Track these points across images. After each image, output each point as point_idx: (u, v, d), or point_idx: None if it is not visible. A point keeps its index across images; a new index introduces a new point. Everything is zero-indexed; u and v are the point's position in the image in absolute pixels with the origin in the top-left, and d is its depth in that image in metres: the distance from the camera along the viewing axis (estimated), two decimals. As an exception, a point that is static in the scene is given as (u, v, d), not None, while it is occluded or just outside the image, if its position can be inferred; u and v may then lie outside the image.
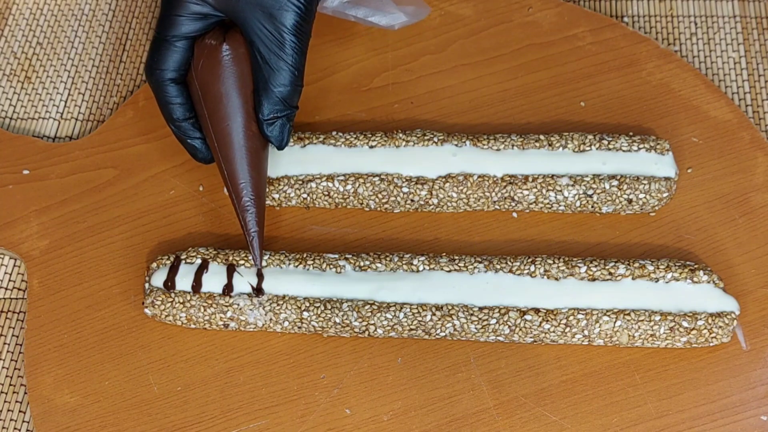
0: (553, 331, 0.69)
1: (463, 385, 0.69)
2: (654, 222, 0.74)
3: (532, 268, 0.70)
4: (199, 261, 0.72)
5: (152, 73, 0.71)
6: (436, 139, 0.75)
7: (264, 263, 0.71)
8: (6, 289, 0.77)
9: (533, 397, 0.69)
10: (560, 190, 0.73)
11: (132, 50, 0.87)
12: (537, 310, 0.69)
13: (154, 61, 0.71)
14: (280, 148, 0.72)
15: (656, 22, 0.86)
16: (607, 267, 0.70)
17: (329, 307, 0.69)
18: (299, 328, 0.70)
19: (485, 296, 0.69)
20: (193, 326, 0.71)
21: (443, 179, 0.74)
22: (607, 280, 0.70)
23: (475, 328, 0.69)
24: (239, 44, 0.70)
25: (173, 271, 0.71)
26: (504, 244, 0.74)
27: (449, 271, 0.70)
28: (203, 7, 0.70)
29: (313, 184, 0.75)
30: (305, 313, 0.70)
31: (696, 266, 0.70)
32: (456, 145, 0.75)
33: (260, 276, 0.70)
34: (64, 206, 0.77)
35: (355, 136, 0.76)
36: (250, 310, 0.70)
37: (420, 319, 0.69)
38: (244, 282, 0.71)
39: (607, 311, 0.68)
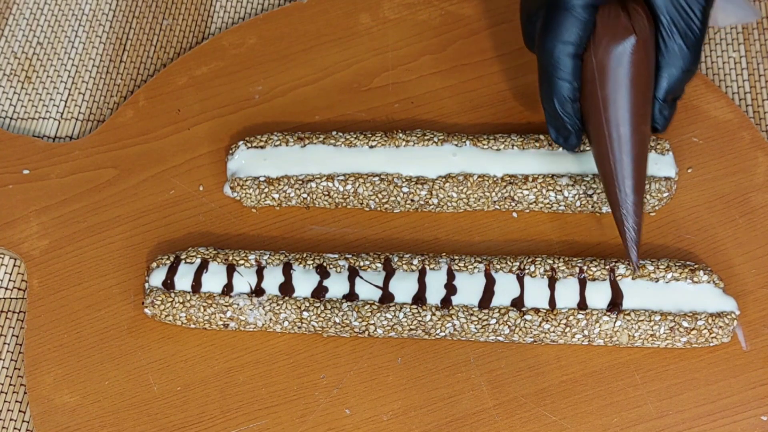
0: (553, 331, 0.69)
1: (463, 385, 0.69)
2: (654, 222, 0.74)
3: (532, 268, 0.70)
4: (198, 261, 0.72)
5: (550, 45, 0.65)
6: (436, 139, 0.75)
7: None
8: (6, 289, 0.77)
9: (533, 397, 0.69)
10: (560, 190, 0.73)
11: (132, 50, 0.87)
12: (537, 310, 0.69)
13: (554, 32, 0.65)
14: (662, 131, 0.67)
15: (656, 22, 0.86)
16: (607, 267, 0.70)
17: (329, 307, 0.69)
18: (299, 328, 0.70)
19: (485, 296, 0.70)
20: (192, 326, 0.71)
21: (443, 179, 0.74)
22: (607, 280, 0.70)
23: (475, 328, 0.69)
24: (643, 22, 0.64)
25: (173, 270, 0.71)
26: (504, 244, 0.74)
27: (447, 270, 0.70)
28: None
29: (313, 184, 0.75)
30: (305, 313, 0.70)
31: (696, 266, 0.70)
32: (456, 145, 0.75)
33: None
34: (64, 206, 0.77)
35: (355, 136, 0.76)
36: (250, 310, 0.70)
37: (420, 319, 0.69)
38: (243, 282, 0.71)
39: (607, 311, 0.68)
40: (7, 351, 0.74)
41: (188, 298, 0.70)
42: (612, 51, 0.65)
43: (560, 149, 0.74)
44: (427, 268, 0.71)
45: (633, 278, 0.69)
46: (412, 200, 0.74)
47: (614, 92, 0.65)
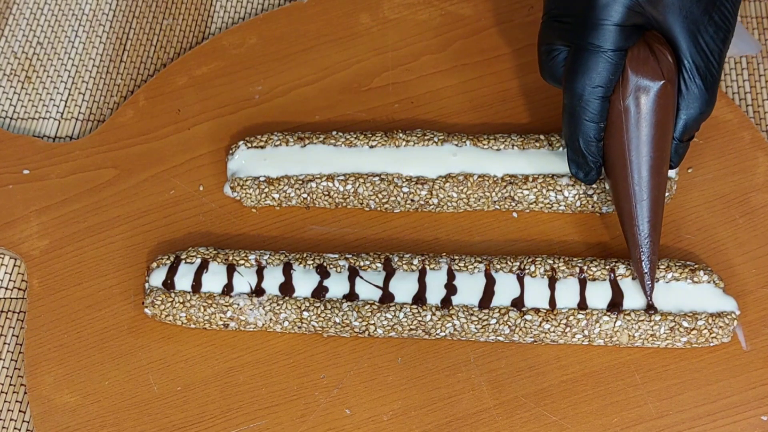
0: (553, 331, 0.69)
1: (463, 385, 0.69)
2: (654, 222, 0.74)
3: (532, 268, 0.70)
4: (198, 261, 0.72)
5: (580, 88, 0.66)
6: (436, 139, 0.75)
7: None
8: (6, 289, 0.77)
9: (533, 397, 0.69)
10: (560, 190, 0.73)
11: (132, 50, 0.87)
12: (537, 310, 0.69)
13: (583, 74, 0.65)
14: (675, 168, 0.70)
15: (656, 22, 0.86)
16: (607, 267, 0.70)
17: (329, 307, 0.69)
18: (299, 328, 0.70)
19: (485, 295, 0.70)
20: (193, 326, 0.71)
21: (443, 179, 0.74)
22: (607, 280, 0.70)
23: (475, 328, 0.69)
24: (669, 65, 0.65)
25: (173, 270, 0.71)
26: (504, 244, 0.74)
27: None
28: (640, 17, 0.64)
29: (313, 184, 0.75)
30: (305, 313, 0.70)
31: (696, 266, 0.70)
32: (456, 144, 0.75)
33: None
34: (64, 206, 0.77)
35: (355, 135, 0.76)
36: (250, 309, 0.70)
37: (420, 319, 0.69)
38: (244, 282, 0.71)
39: (607, 311, 0.68)
40: (7, 351, 0.74)
41: (188, 298, 0.70)
42: (641, 95, 0.65)
43: (561, 149, 0.74)
44: (428, 268, 0.71)
45: (648, 314, 0.68)
46: (412, 200, 0.74)
47: (639, 136, 0.66)
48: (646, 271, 0.68)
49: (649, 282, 0.68)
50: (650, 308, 0.68)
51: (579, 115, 0.67)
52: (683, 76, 0.66)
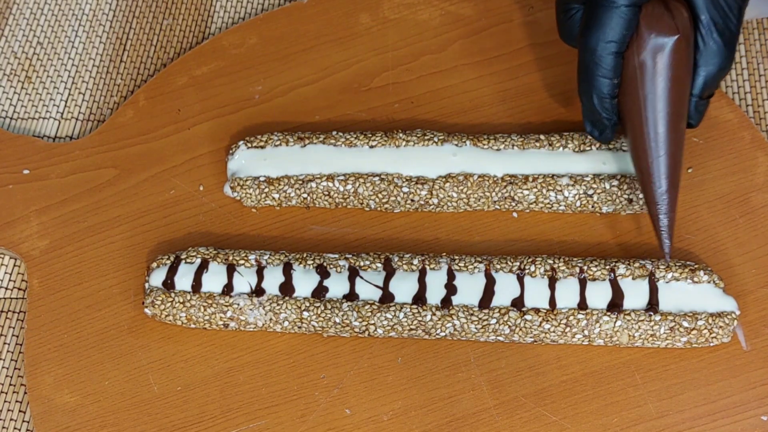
0: (553, 331, 0.69)
1: (463, 385, 0.69)
2: (654, 222, 0.74)
3: (532, 268, 0.70)
4: (199, 261, 0.72)
5: (593, 42, 0.66)
6: (436, 139, 0.75)
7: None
8: (6, 289, 0.77)
9: (533, 397, 0.69)
10: (560, 190, 0.73)
11: (132, 50, 0.87)
12: (537, 310, 0.69)
13: (597, 30, 0.65)
14: (696, 126, 0.69)
15: (656, 22, 0.86)
16: (607, 267, 0.70)
17: (329, 307, 0.69)
18: (299, 328, 0.70)
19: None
20: (193, 326, 0.71)
21: (443, 179, 0.74)
22: (607, 280, 0.70)
23: (475, 328, 0.69)
24: (685, 20, 0.65)
25: (173, 270, 0.71)
26: (504, 244, 0.74)
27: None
28: None
29: (314, 184, 0.75)
30: (305, 313, 0.70)
31: (696, 266, 0.70)
32: (456, 144, 0.75)
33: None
34: (64, 206, 0.77)
35: (355, 135, 0.76)
36: (250, 309, 0.70)
37: (420, 319, 0.69)
38: (244, 282, 0.71)
39: (607, 311, 0.68)
40: (7, 351, 0.74)
41: (188, 298, 0.70)
42: (655, 50, 0.65)
43: (561, 149, 0.74)
44: (428, 268, 0.71)
45: (666, 269, 0.69)
46: (412, 200, 0.74)
47: (655, 91, 0.66)
48: (663, 228, 0.67)
49: (666, 240, 0.67)
50: (667, 262, 0.68)
51: (592, 70, 0.67)
52: (700, 32, 0.66)
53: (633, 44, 0.66)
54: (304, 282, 0.70)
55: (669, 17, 0.65)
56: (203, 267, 0.71)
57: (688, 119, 0.69)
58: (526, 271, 0.70)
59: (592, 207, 0.74)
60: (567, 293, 0.69)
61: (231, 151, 0.76)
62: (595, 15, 0.66)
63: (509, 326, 0.69)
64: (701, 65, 0.67)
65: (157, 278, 0.71)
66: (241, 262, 0.71)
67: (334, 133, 0.76)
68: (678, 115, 0.67)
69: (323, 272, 0.70)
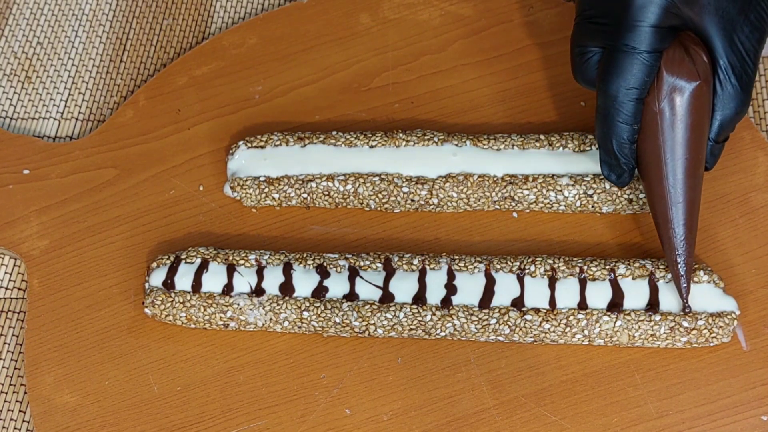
0: (553, 331, 0.69)
1: (463, 385, 0.69)
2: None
3: (532, 268, 0.70)
4: (199, 261, 0.72)
5: (614, 89, 0.65)
6: (436, 139, 0.75)
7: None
8: (6, 289, 0.77)
9: (533, 397, 0.69)
10: (560, 190, 0.73)
11: (132, 50, 0.87)
12: (537, 310, 0.69)
13: (618, 76, 0.65)
14: (710, 169, 0.69)
15: (656, 22, 0.86)
16: (607, 267, 0.70)
17: (329, 307, 0.69)
18: (299, 328, 0.70)
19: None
20: (193, 326, 0.71)
21: (443, 179, 0.74)
22: (607, 280, 0.70)
23: (475, 328, 0.69)
24: (705, 66, 0.65)
25: (173, 270, 0.71)
26: (504, 244, 0.74)
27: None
28: (676, 18, 0.64)
29: (314, 184, 0.75)
30: (305, 313, 0.70)
31: (696, 266, 0.70)
32: (456, 144, 0.75)
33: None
34: (64, 206, 0.77)
35: (355, 136, 0.76)
36: (250, 309, 0.70)
37: (420, 319, 0.69)
38: (244, 282, 0.71)
39: (607, 311, 0.68)
40: (7, 351, 0.74)
41: (188, 298, 0.70)
42: (676, 96, 0.65)
43: (561, 149, 0.74)
44: (428, 268, 0.71)
45: (684, 312, 0.68)
46: (412, 200, 0.74)
47: (674, 137, 0.66)
48: (682, 273, 0.67)
49: (685, 284, 0.67)
50: (686, 310, 0.68)
51: (613, 116, 0.66)
52: (718, 77, 0.66)
53: (653, 90, 0.66)
54: (304, 282, 0.70)
55: (690, 63, 0.65)
56: (203, 267, 0.71)
57: (706, 162, 0.69)
58: (526, 271, 0.70)
59: (592, 207, 0.74)
60: (567, 293, 0.69)
61: (231, 151, 0.76)
62: (615, 60, 0.65)
63: (509, 326, 0.69)
64: (718, 109, 0.67)
65: (157, 278, 0.71)
66: (241, 262, 0.71)
67: (334, 133, 0.76)
68: (697, 161, 0.66)
69: (323, 272, 0.70)
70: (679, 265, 0.67)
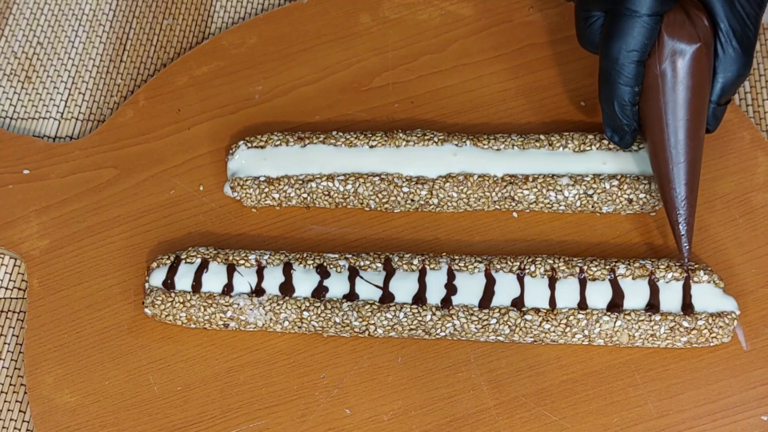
0: (554, 331, 0.69)
1: (463, 385, 0.69)
2: (654, 222, 0.74)
3: (532, 268, 0.70)
4: (199, 261, 0.72)
5: (615, 51, 0.67)
6: (436, 139, 0.75)
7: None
8: (6, 289, 0.77)
9: (533, 396, 0.69)
10: (560, 190, 0.73)
11: (132, 50, 0.87)
12: (537, 310, 0.69)
13: (619, 39, 0.66)
14: (712, 131, 0.70)
15: (656, 22, 0.86)
16: (607, 267, 0.70)
17: (329, 307, 0.69)
18: (299, 328, 0.70)
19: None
20: (193, 326, 0.71)
21: (443, 179, 0.74)
22: (607, 280, 0.70)
23: (475, 328, 0.69)
24: (705, 28, 0.66)
25: (173, 270, 0.71)
26: (504, 244, 0.74)
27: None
28: None
29: (314, 184, 0.75)
30: (305, 313, 0.70)
31: (696, 266, 0.70)
32: (456, 144, 0.75)
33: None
34: (64, 206, 0.77)
35: (355, 135, 0.76)
36: (250, 309, 0.70)
37: (420, 319, 0.69)
38: (244, 282, 0.71)
39: (607, 311, 0.68)
40: (7, 351, 0.74)
41: (188, 298, 0.70)
42: (677, 58, 0.66)
43: (561, 149, 0.74)
44: (428, 268, 0.71)
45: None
46: (412, 200, 0.74)
47: (675, 99, 0.67)
48: (683, 233, 0.69)
49: (686, 244, 0.69)
50: (685, 267, 0.69)
51: (614, 78, 0.68)
52: (720, 40, 0.67)
53: (654, 52, 0.67)
54: (304, 282, 0.70)
55: (690, 26, 0.66)
56: (203, 267, 0.71)
57: (709, 124, 0.70)
58: (526, 271, 0.70)
59: (592, 207, 0.74)
60: (567, 293, 0.69)
61: (231, 151, 0.76)
62: (617, 24, 0.67)
63: (509, 326, 0.69)
64: (720, 72, 0.68)
65: (157, 278, 0.71)
66: (241, 262, 0.71)
67: (334, 133, 0.76)
68: (698, 123, 0.68)
69: (323, 272, 0.70)
70: (680, 224, 0.69)
